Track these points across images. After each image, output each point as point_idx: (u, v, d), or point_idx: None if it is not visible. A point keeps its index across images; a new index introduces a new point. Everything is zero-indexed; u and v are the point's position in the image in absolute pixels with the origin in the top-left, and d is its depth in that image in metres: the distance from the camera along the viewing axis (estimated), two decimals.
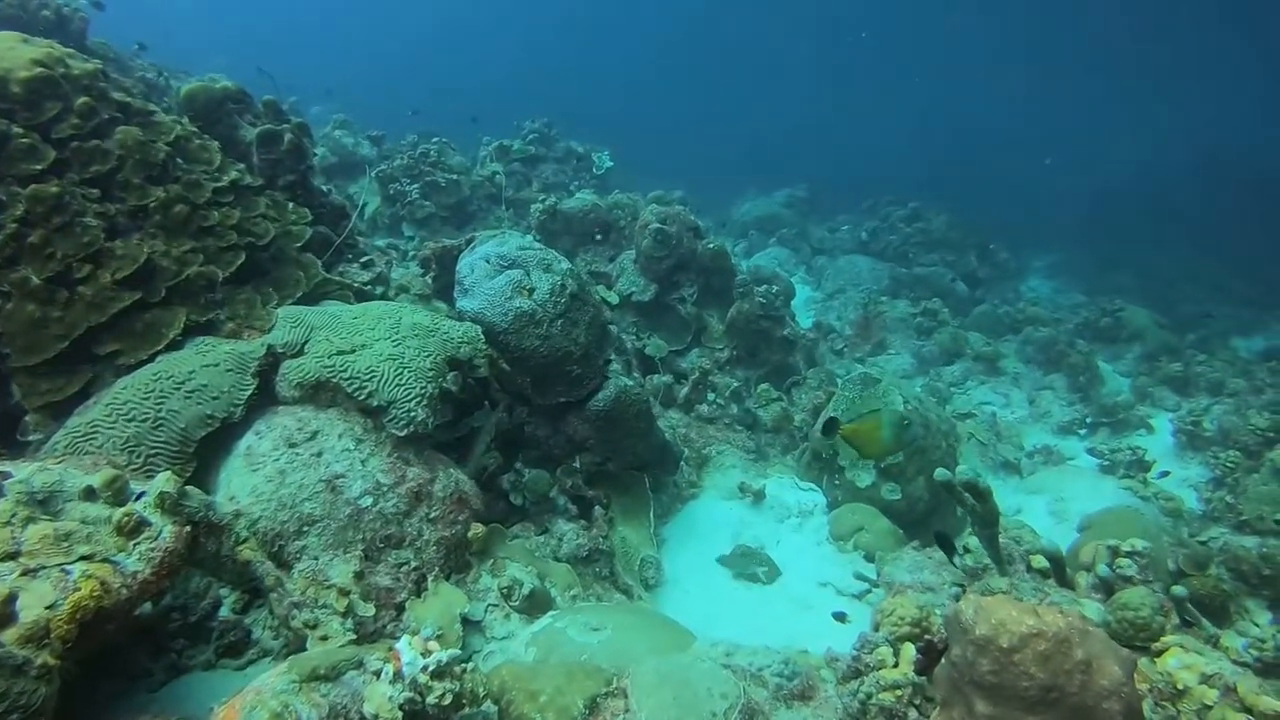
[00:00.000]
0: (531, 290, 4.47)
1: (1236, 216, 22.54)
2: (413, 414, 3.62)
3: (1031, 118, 41.14)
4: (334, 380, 3.62)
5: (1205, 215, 22.83)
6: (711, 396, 6.61)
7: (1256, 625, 4.45)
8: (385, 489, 3.48)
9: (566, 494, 4.64)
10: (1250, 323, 14.98)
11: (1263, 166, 25.43)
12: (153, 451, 3.13)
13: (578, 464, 4.80)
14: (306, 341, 3.81)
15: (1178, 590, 2.62)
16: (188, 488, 2.67)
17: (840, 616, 4.37)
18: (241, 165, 4.53)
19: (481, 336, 4.25)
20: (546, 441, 4.84)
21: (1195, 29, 36.88)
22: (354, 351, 3.75)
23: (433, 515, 3.63)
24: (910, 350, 10.10)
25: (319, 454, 3.44)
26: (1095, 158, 32.44)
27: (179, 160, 4.07)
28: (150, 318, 3.61)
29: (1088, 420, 8.36)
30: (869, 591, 4.64)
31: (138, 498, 2.40)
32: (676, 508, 5.57)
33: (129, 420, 3.13)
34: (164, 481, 2.47)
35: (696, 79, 49.53)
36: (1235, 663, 2.45)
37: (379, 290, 5.02)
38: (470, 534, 3.74)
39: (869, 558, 4.92)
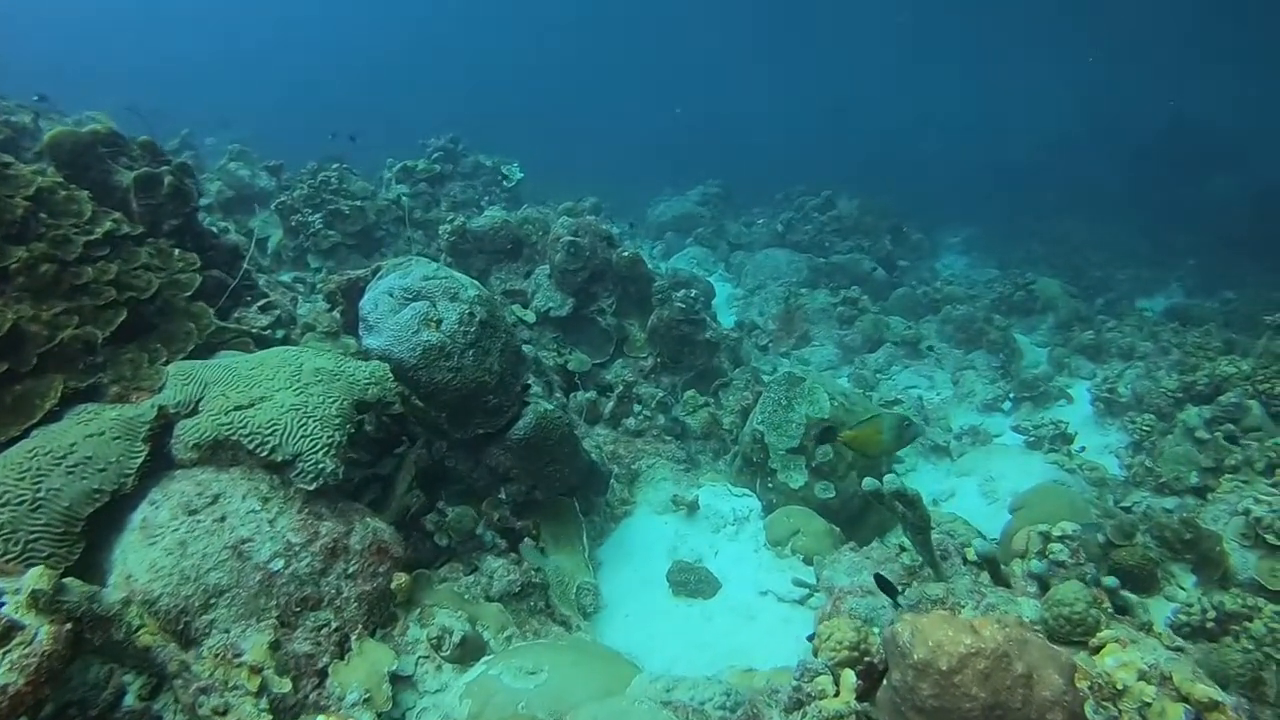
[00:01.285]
0: (439, 322, 4.31)
1: (1132, 180, 23.50)
2: (321, 466, 3.44)
3: (938, 96, 42.37)
4: (234, 438, 3.41)
5: (1104, 180, 23.75)
6: (638, 408, 6.51)
7: (1183, 589, 4.56)
8: (298, 548, 3.29)
9: (494, 528, 4.48)
10: (1151, 282, 15.60)
11: (1154, 131, 26.55)
12: (33, 537, 2.89)
13: (503, 495, 4.65)
14: (201, 399, 3.58)
15: (1109, 581, 2.62)
16: (66, 579, 2.45)
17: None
18: (118, 214, 4.26)
19: (389, 375, 4.07)
20: (469, 475, 4.68)
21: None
22: (253, 405, 3.54)
23: (351, 570, 3.45)
24: (834, 340, 10.16)
25: (222, 519, 3.23)
26: (1000, 131, 33.48)
27: (43, 215, 3.79)
28: (21, 390, 3.34)
29: (1010, 396, 8.52)
30: (810, 596, 4.59)
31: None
32: (610, 528, 5.46)
33: (2, 505, 2.88)
34: (36, 578, 2.25)
35: (607, 79, 49.66)
36: (1169, 649, 2.46)
37: (280, 334, 4.79)
38: (394, 584, 3.57)
39: (807, 561, 4.88)
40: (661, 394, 6.72)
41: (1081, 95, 35.46)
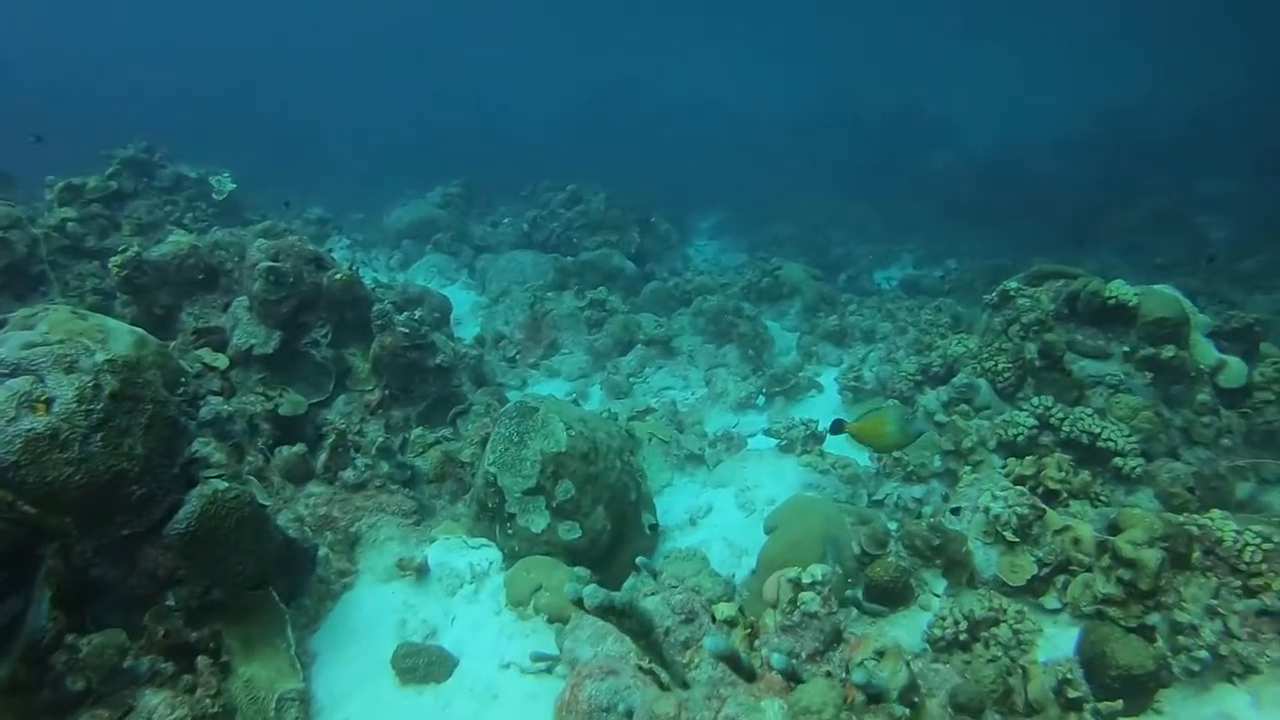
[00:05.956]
0: (48, 402, 3.35)
1: (865, 157, 25.27)
2: None
3: (682, 79, 43.92)
4: None
5: (843, 160, 25.36)
6: (356, 456, 5.70)
7: (935, 596, 4.45)
8: None
9: (157, 650, 3.59)
10: (886, 256, 16.59)
11: (880, 110, 28.78)
12: None
13: (172, 602, 3.76)
14: None
15: (858, 677, 2.26)
16: None
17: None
18: None
19: None
20: (124, 583, 3.73)
21: None
22: None
23: None
24: (583, 346, 9.72)
25: None
26: (747, 114, 34.96)
27: None
28: None
29: (763, 392, 8.41)
30: (554, 665, 4.06)
31: None
32: (327, 608, 4.65)
33: None
34: None
35: (344, 72, 47.04)
36: None
37: None
38: None
39: (553, 620, 4.35)
40: (382, 438, 5.93)
41: (825, 83, 37.91)
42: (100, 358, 3.64)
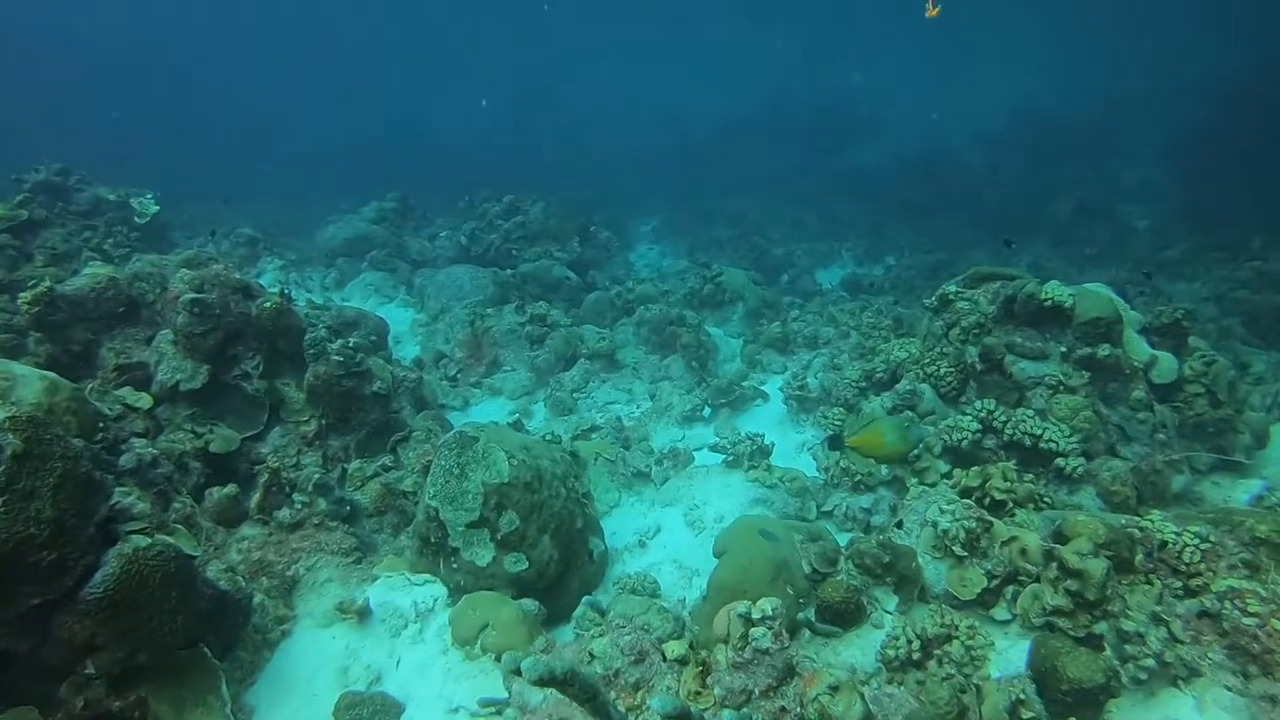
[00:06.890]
0: None
1: (799, 156, 25.50)
2: None
3: (616, 84, 44.04)
4: None
5: (777, 158, 25.57)
6: (292, 494, 5.49)
7: (888, 613, 4.43)
8: None
9: None
10: (825, 254, 16.69)
11: (812, 109, 29.10)
12: None
13: (91, 670, 3.55)
14: None
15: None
16: None
17: None
18: None
19: None
20: (36, 653, 3.52)
21: None
22: None
23: None
24: (525, 363, 9.57)
25: None
26: (682, 117, 35.06)
27: None
28: None
29: (709, 403, 8.35)
30: (503, 709, 3.94)
31: None
32: (264, 659, 4.46)
33: None
34: None
35: (270, 89, 46.07)
36: None
37: None
38: None
39: (500, 659, 4.22)
40: (319, 474, 5.73)
41: (758, 84, 38.20)
42: (0, 415, 3.42)
